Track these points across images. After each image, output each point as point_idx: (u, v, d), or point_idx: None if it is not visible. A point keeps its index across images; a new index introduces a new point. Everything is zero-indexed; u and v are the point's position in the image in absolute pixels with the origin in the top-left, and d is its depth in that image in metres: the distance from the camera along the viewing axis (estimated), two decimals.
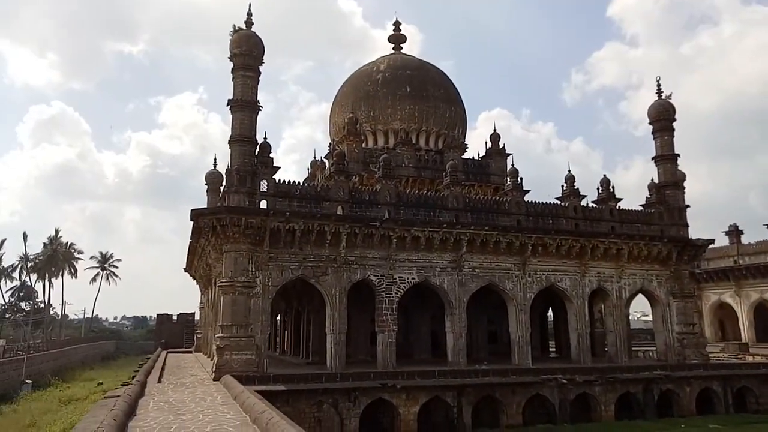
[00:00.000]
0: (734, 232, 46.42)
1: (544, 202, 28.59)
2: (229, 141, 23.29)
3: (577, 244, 27.30)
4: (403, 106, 35.16)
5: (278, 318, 39.38)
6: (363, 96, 35.95)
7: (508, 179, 29.00)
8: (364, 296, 25.50)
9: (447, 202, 26.29)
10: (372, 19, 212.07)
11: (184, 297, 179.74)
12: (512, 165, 29.51)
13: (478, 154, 37.21)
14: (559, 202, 29.32)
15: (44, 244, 68.45)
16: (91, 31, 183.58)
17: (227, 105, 23.55)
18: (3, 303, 71.93)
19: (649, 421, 23.90)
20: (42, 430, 21.58)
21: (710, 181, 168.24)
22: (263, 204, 23.13)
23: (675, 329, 28.97)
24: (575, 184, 29.56)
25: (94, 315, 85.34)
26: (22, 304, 74.06)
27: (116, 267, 77.26)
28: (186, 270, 42.02)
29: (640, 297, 30.62)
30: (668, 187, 30.37)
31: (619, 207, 29.92)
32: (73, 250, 71.23)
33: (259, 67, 24.18)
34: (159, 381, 20.29)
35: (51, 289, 69.48)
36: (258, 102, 23.77)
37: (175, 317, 56.18)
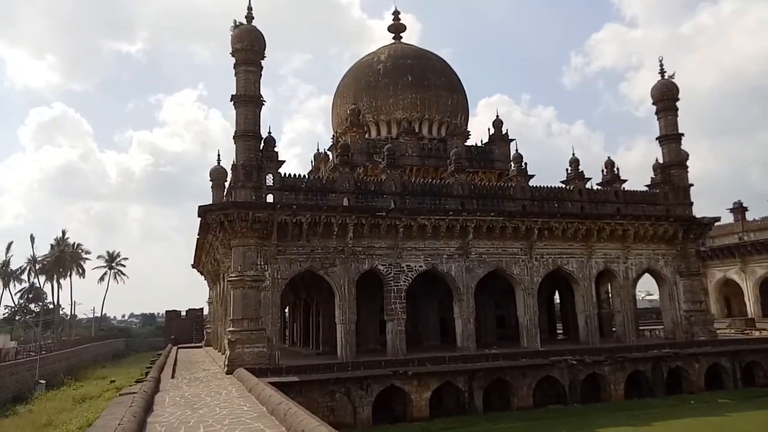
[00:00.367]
0: (738, 209, 46.38)
1: (549, 186, 28.61)
2: (233, 136, 23.34)
3: (583, 227, 27.35)
4: (405, 96, 35.11)
5: (287, 310, 39.63)
6: (364, 86, 35.89)
7: (513, 165, 29.00)
8: (372, 285, 25.66)
9: (452, 190, 26.34)
10: (369, 9, 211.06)
11: (191, 293, 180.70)
12: (516, 150, 29.51)
13: (481, 141, 37.20)
14: (563, 186, 29.34)
15: (51, 245, 68.89)
16: (89, 30, 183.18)
17: (231, 100, 23.57)
18: (13, 305, 72.50)
19: (659, 398, 24.11)
20: (59, 429, 21.86)
21: (712, 159, 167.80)
22: (270, 198, 23.24)
23: (682, 307, 29.10)
24: (579, 167, 29.56)
25: (102, 314, 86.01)
26: (32, 306, 74.62)
27: (123, 266, 77.78)
28: (194, 266, 42.24)
29: (644, 276, 30.72)
30: (673, 167, 30.34)
31: (624, 188, 29.96)
32: (80, 251, 71.69)
33: (261, 61, 24.15)
34: (173, 376, 20.52)
35: (60, 290, 70.07)
36: (261, 96, 23.77)
37: (183, 313, 56.56)
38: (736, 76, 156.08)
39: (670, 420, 19.89)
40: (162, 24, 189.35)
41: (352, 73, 38.08)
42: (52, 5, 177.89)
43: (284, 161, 24.17)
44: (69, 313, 76.63)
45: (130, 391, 15.40)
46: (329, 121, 39.81)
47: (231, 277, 22.66)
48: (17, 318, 72.22)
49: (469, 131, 37.94)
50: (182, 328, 53.04)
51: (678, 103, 30.70)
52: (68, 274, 69.25)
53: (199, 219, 25.03)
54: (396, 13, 41.33)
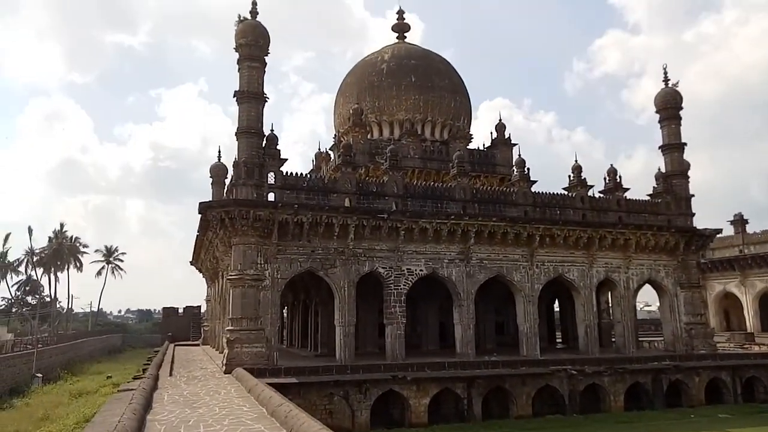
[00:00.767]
0: (739, 222, 46.31)
1: (552, 192, 28.51)
2: (235, 133, 23.20)
3: (585, 235, 27.25)
4: (408, 96, 35.01)
5: (285, 310, 39.47)
6: (368, 86, 35.79)
7: (515, 169, 28.91)
8: (372, 288, 25.53)
9: (454, 194, 26.23)
10: (372, 8, 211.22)
11: (188, 290, 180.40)
12: (519, 155, 29.41)
13: (483, 145, 37.09)
14: (566, 193, 29.24)
15: (49, 238, 68.66)
16: (91, 22, 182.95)
17: (233, 96, 23.44)
18: (10, 297, 72.22)
19: (658, 411, 23.97)
20: (56, 424, 21.67)
21: (711, 169, 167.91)
22: (271, 196, 23.10)
23: (683, 319, 28.97)
24: (582, 173, 29.48)
25: (99, 308, 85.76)
26: (29, 298, 74.35)
27: (121, 261, 77.52)
28: (192, 263, 42.07)
29: (642, 287, 30.59)
30: (675, 177, 30.26)
31: (626, 197, 29.86)
32: (78, 244, 71.42)
33: (265, 57, 24.02)
34: (170, 374, 20.36)
35: (57, 283, 69.78)
36: (264, 93, 23.65)
37: (181, 310, 56.38)
38: (738, 86, 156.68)
39: None
40: (164, 17, 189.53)
41: (355, 72, 37.99)
42: None
43: (286, 159, 24.04)
44: (66, 307, 76.39)
45: (128, 388, 15.21)
46: (331, 120, 39.76)
47: (231, 275, 22.51)
48: (14, 310, 71.94)
49: (471, 134, 37.89)
50: (179, 326, 52.87)
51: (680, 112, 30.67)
52: (66, 267, 68.99)
53: (200, 216, 24.88)
54: (400, 13, 41.20)
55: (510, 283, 26.72)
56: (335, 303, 23.91)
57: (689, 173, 30.81)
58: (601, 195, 30.00)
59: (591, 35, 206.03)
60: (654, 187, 30.73)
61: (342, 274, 23.68)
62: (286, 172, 23.84)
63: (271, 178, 23.31)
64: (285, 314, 39.96)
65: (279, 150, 23.87)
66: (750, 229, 45.70)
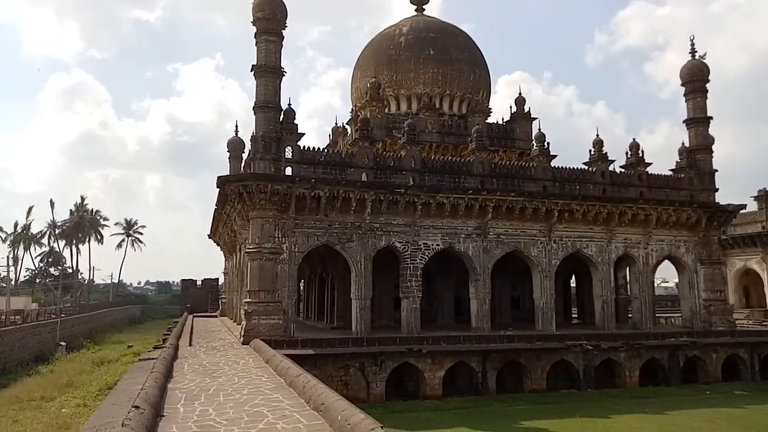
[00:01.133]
0: (763, 197, 45.20)
1: (571, 167, 28.13)
2: (253, 107, 23.13)
3: (604, 210, 26.91)
4: (427, 70, 34.46)
5: (302, 283, 39.88)
6: (385, 60, 35.28)
7: (535, 144, 28.49)
8: (388, 262, 25.60)
9: (472, 168, 25.99)
10: None
11: (206, 263, 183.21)
12: (539, 129, 28.95)
13: (502, 119, 36.56)
14: (586, 167, 28.81)
15: (71, 211, 69.97)
16: None
17: (251, 70, 23.30)
18: (33, 268, 74.01)
19: (674, 387, 23.91)
20: (79, 390, 22.35)
21: (735, 145, 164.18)
22: (288, 171, 23.12)
23: (702, 296, 28.69)
24: (603, 148, 28.96)
25: (119, 280, 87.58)
26: (51, 269, 76.17)
27: (141, 233, 78.83)
28: (210, 236, 42.55)
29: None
30: (699, 151, 29.62)
31: (647, 172, 29.33)
32: (99, 217, 72.75)
33: (282, 31, 23.78)
34: (190, 344, 20.73)
35: (78, 255, 71.33)
36: (282, 67, 23.46)
37: (199, 282, 57.28)
38: (766, 59, 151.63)
39: (685, 409, 19.67)
40: None
41: (372, 46, 37.44)
42: None
43: (304, 134, 24.00)
44: (87, 278, 78.15)
45: (150, 357, 15.57)
46: (347, 95, 39.42)
47: (248, 248, 22.70)
48: (37, 281, 73.81)
49: (490, 108, 37.32)
50: (197, 297, 53.80)
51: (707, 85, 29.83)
52: (87, 239, 70.41)
53: (218, 189, 25.03)
54: None
55: (527, 258, 26.60)
56: (352, 277, 24.04)
57: (713, 148, 30.12)
58: (623, 170, 29.50)
59: (614, 6, 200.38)
60: (677, 161, 30.13)
61: (359, 248, 23.75)
62: (304, 147, 23.78)
63: (288, 152, 23.29)
64: (302, 287, 40.39)
65: (296, 124, 23.80)
66: None
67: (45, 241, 71.30)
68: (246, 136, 33.89)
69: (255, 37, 23.64)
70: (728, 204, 29.34)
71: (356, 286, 23.79)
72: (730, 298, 41.99)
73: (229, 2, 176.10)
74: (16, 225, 66.14)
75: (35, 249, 71.35)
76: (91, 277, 78.44)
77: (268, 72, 23.18)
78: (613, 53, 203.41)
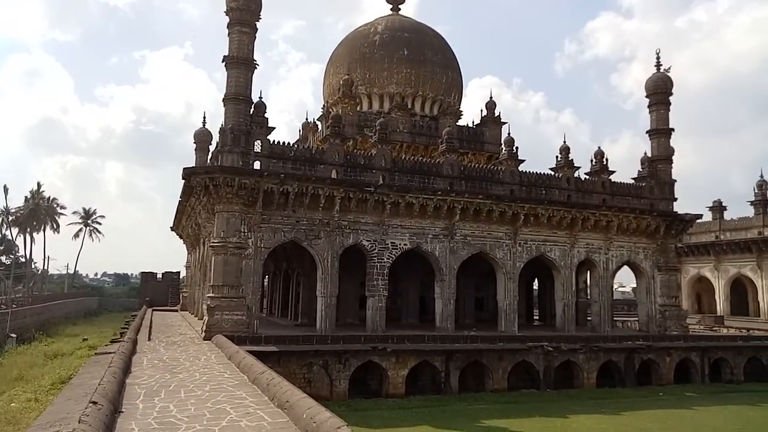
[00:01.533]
0: (717, 208, 47.24)
1: (538, 172, 28.63)
2: (223, 99, 22.72)
3: (569, 215, 27.49)
4: (400, 70, 34.51)
5: (266, 279, 39.40)
6: (359, 57, 35.16)
7: (504, 148, 28.88)
8: (354, 260, 25.52)
9: (442, 169, 26.16)
10: None
11: (167, 255, 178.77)
12: (508, 134, 29.35)
13: (473, 122, 36.93)
14: (552, 173, 29.35)
15: (26, 197, 67.24)
16: None
17: (222, 61, 22.88)
18: None
19: (630, 388, 24.60)
20: (30, 384, 21.49)
21: (694, 156, 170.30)
22: (257, 165, 22.80)
23: (658, 301, 29.63)
24: (569, 155, 29.57)
25: (75, 271, 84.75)
26: (3, 258, 73.15)
27: (99, 224, 76.42)
28: (173, 229, 41.62)
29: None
30: (660, 161, 30.56)
31: (610, 180, 30.10)
32: (55, 205, 70.14)
33: (256, 23, 23.42)
34: (149, 339, 20.24)
35: (33, 244, 68.61)
36: (254, 60, 23.10)
37: (159, 276, 55.90)
38: (727, 75, 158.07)
39: (639, 411, 20.29)
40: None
41: (347, 43, 37.27)
42: None
43: (274, 128, 23.72)
44: (41, 268, 75.34)
45: (107, 351, 15.10)
46: (319, 91, 39.14)
47: (213, 242, 22.29)
48: None
49: (461, 111, 37.64)
50: (158, 291, 52.48)
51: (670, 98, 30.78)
52: (42, 228, 67.79)
53: (183, 181, 24.48)
54: None
55: (492, 260, 26.94)
56: (318, 274, 23.88)
57: (673, 159, 31.11)
58: (587, 177, 30.18)
59: (584, 17, 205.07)
60: (639, 170, 31.02)
61: (326, 245, 23.61)
62: (273, 141, 23.49)
63: (257, 146, 22.96)
64: (266, 283, 39.91)
65: (267, 118, 23.50)
66: (728, 216, 46.71)
67: None
68: (213, 127, 33.42)
69: (228, 27, 23.21)
70: (686, 213, 30.37)
71: (322, 283, 23.63)
72: (684, 304, 43.58)
73: None
74: None
75: None
76: (46, 267, 75.72)
77: (240, 64, 22.79)
78: (582, 62, 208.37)
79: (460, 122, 36.35)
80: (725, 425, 19.60)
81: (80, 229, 74.12)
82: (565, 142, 30.03)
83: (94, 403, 7.46)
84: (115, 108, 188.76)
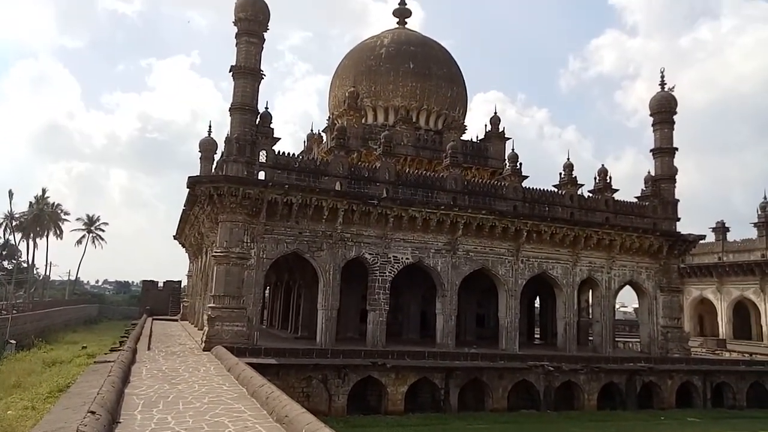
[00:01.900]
0: (720, 229, 47.02)
1: (542, 188, 28.59)
2: (229, 108, 22.82)
3: (572, 233, 27.40)
4: (405, 83, 34.70)
5: (267, 290, 39.28)
6: (365, 70, 35.39)
7: (507, 163, 28.92)
8: (356, 273, 25.45)
9: (445, 184, 26.16)
10: None
11: (169, 264, 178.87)
12: (512, 149, 29.40)
13: (477, 137, 37.04)
14: (555, 190, 29.34)
15: (30, 203, 67.41)
16: None
17: (229, 71, 23.02)
18: None
19: (630, 411, 24.35)
20: (28, 392, 21.36)
21: (697, 176, 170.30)
22: (261, 175, 22.83)
23: (660, 322, 29.39)
24: (573, 172, 29.57)
25: (77, 277, 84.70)
26: (5, 263, 73.17)
27: (102, 230, 76.56)
28: (175, 237, 41.63)
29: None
30: (664, 181, 30.51)
31: (614, 198, 30.05)
32: (60, 211, 70.31)
33: (264, 33, 23.60)
34: (149, 348, 20.14)
35: (35, 249, 68.67)
36: (261, 70, 23.25)
37: (161, 284, 55.79)
38: (730, 95, 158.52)
39: None
40: None
41: (353, 55, 37.54)
42: None
43: (279, 138, 23.80)
44: (43, 274, 75.31)
45: (106, 360, 15.01)
46: (324, 102, 39.64)
47: (216, 252, 22.25)
48: None
49: (465, 125, 37.79)
50: (158, 299, 52.33)
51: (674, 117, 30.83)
52: (45, 234, 67.90)
53: (187, 190, 24.52)
54: None
55: (494, 276, 26.83)
56: (319, 286, 23.79)
57: (676, 178, 31.08)
58: (590, 194, 30.14)
59: (589, 34, 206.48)
60: (642, 189, 30.97)
61: (328, 257, 23.55)
62: (278, 152, 23.55)
63: (262, 156, 23.01)
64: (267, 294, 39.79)
65: (272, 128, 23.57)
66: (730, 237, 46.49)
67: (0, 232, 68.53)
68: (219, 137, 33.55)
69: (236, 37, 23.39)
70: (689, 234, 30.26)
71: (323, 296, 23.54)
72: (686, 326, 43.26)
73: (211, 0, 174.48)
74: None
75: None
76: (47, 273, 75.67)
77: (247, 74, 22.94)
78: (586, 79, 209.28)
79: (465, 137, 36.46)
80: None
81: (83, 236, 74.27)
82: (568, 158, 30.10)
83: (93, 413, 7.38)
84: (120, 115, 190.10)
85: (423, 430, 18.86)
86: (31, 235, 66.45)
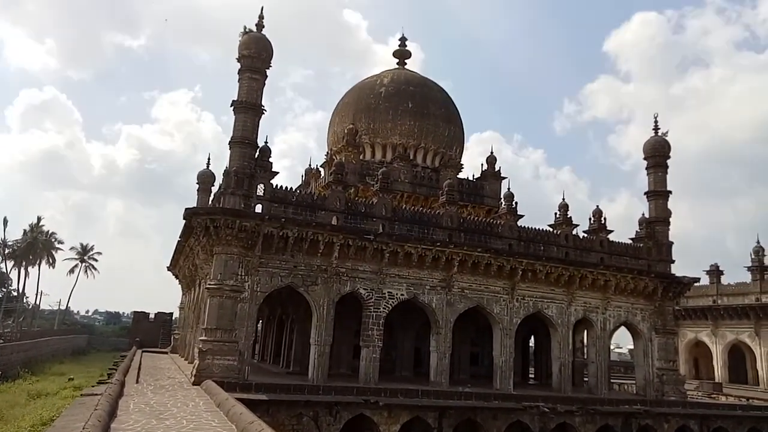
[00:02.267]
0: (715, 272, 47.20)
1: (537, 228, 28.77)
2: (229, 142, 23.08)
3: (567, 273, 27.42)
4: (404, 122, 35.28)
5: (260, 324, 38.85)
6: (364, 108, 36.00)
7: (503, 202, 29.15)
8: (349, 308, 25.28)
9: (441, 221, 26.29)
10: (376, 33, 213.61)
11: (160, 296, 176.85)
12: (508, 188, 29.71)
13: (473, 175, 37.42)
14: (551, 229, 29.49)
15: (24, 230, 67.10)
16: (93, 20, 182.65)
17: (231, 105, 23.38)
18: None
19: None
20: (10, 425, 20.80)
21: (690, 220, 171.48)
22: (258, 208, 22.91)
23: (656, 364, 29.14)
24: (568, 212, 29.79)
25: (67, 307, 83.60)
26: None
27: (96, 260, 75.96)
28: (169, 268, 41.38)
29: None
30: (658, 223, 30.74)
31: (608, 239, 30.20)
32: (54, 240, 69.90)
33: (266, 70, 24.09)
34: (137, 381, 19.79)
35: (27, 278, 67.98)
36: (262, 106, 23.63)
37: (152, 316, 55.16)
38: (722, 142, 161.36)
39: None
40: (168, 22, 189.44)
41: (353, 93, 38.25)
42: None
43: (278, 172, 23.91)
44: (33, 303, 74.33)
45: (93, 392, 14.76)
46: (323, 138, 39.95)
47: (209, 284, 22.12)
48: None
49: (462, 164, 38.25)
50: (149, 331, 51.67)
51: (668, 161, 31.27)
52: (38, 262, 67.34)
53: (183, 221, 24.55)
54: (403, 39, 41.75)
55: (489, 314, 26.68)
56: (313, 321, 23.58)
57: (670, 221, 31.32)
58: (585, 235, 30.30)
59: (584, 79, 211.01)
60: (637, 231, 31.17)
61: (323, 292, 23.43)
62: (276, 185, 23.70)
63: (260, 189, 23.14)
64: (260, 328, 39.33)
65: (271, 162, 23.79)
66: (724, 280, 46.61)
67: None
68: (217, 169, 33.76)
69: (238, 73, 23.85)
70: (683, 276, 30.32)
71: (316, 331, 23.31)
72: (681, 369, 42.87)
73: (216, 36, 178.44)
74: None
75: None
76: (37, 302, 74.69)
77: (248, 109, 23.30)
78: (580, 122, 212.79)
79: (461, 175, 36.84)
80: None
81: (75, 265, 73.65)
82: (563, 199, 30.37)
83: None
84: (120, 145, 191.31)
85: None
86: (23, 263, 65.90)
